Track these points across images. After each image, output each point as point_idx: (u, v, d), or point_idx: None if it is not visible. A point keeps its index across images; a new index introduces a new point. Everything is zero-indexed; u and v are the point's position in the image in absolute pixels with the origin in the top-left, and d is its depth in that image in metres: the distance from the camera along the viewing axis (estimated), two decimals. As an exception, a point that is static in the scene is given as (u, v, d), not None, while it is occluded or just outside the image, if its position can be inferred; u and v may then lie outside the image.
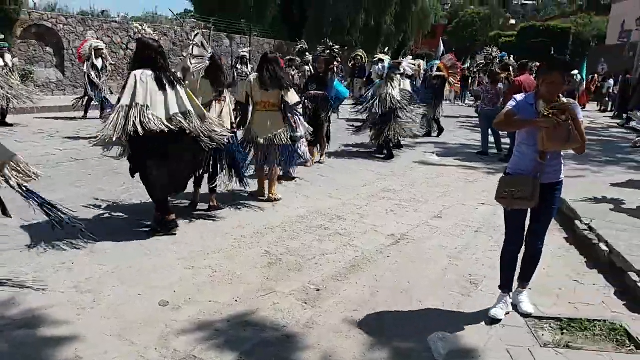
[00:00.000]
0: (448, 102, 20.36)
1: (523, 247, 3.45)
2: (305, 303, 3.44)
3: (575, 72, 21.82)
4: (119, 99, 4.23)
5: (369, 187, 6.71)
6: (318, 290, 3.64)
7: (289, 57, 13.98)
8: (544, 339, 3.10)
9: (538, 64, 12.47)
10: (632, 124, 7.19)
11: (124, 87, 4.27)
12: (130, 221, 4.86)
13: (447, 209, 5.90)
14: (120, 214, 5.04)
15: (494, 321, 3.25)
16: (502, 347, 2.98)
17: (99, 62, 10.38)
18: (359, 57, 17.41)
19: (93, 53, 10.29)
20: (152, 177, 4.40)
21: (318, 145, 7.88)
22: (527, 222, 3.41)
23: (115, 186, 5.93)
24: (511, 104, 3.31)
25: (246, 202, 5.66)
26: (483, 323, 3.27)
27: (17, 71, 9.94)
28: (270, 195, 5.77)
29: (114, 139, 4.12)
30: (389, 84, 8.36)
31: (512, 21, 48.19)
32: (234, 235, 4.64)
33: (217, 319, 3.18)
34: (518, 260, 3.48)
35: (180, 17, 29.09)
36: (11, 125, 9.49)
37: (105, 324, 3.03)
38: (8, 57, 9.35)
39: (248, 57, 12.15)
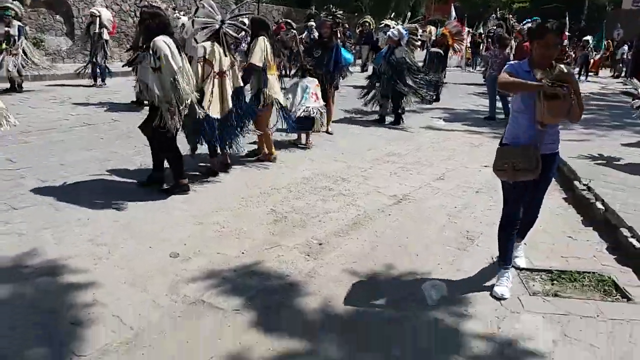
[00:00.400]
0: (459, 68, 20.24)
1: None
2: (308, 255, 3.63)
3: (589, 37, 21.44)
4: (158, 68, 4.23)
5: (374, 151, 6.83)
6: (320, 244, 3.82)
7: (286, 20, 13.96)
8: (533, 289, 3.26)
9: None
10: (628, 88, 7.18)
11: (154, 54, 4.25)
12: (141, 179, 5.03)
13: (450, 171, 6.02)
14: (133, 175, 5.21)
15: (500, 298, 3.11)
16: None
17: (93, 28, 10.39)
18: (367, 24, 17.24)
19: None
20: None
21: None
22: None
23: (127, 149, 6.11)
24: (506, 68, 3.16)
25: (253, 165, 5.83)
26: (476, 274, 3.44)
27: (28, 39, 10.00)
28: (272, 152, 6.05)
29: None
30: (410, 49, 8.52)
31: (527, -14, 46.92)
32: (242, 195, 4.81)
33: (224, 268, 3.38)
34: None
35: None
36: (21, 90, 9.65)
37: (120, 273, 3.24)
38: (15, 23, 9.37)
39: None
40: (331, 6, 9.08)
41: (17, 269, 3.22)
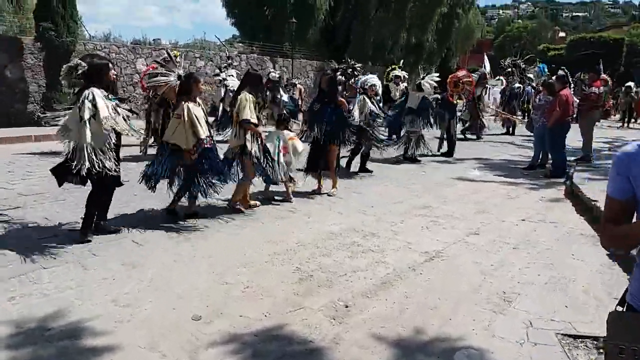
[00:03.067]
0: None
1: None
2: (333, 319, 3.47)
3: (631, 84, 20.99)
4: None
5: (404, 204, 6.68)
6: (347, 306, 3.66)
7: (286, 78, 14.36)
8: (577, 359, 2.99)
9: (587, 76, 12.03)
10: None
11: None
12: (169, 234, 5.06)
13: (485, 225, 5.79)
14: (163, 230, 5.22)
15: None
16: (531, 366, 2.91)
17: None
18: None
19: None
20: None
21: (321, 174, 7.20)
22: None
23: (162, 205, 6.15)
24: (610, 186, 1.68)
25: (279, 218, 5.79)
26: (514, 341, 3.20)
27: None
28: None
29: None
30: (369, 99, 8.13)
31: (562, 34, 47.02)
32: (268, 251, 4.73)
33: (245, 332, 3.26)
34: None
35: (228, 43, 30.05)
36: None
37: (140, 336, 3.17)
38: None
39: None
40: (347, 58, 9.05)
41: (39, 331, 3.19)
